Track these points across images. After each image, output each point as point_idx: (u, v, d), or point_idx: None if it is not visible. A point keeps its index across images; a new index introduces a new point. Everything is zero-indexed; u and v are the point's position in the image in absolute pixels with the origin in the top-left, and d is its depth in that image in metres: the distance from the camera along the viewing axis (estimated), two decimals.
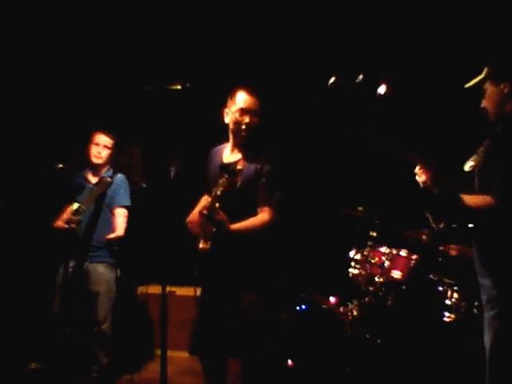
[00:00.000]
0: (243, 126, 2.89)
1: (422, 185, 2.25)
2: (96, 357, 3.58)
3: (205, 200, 2.98)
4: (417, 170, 2.24)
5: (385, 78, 2.24)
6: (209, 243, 2.77)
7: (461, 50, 3.86)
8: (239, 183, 2.78)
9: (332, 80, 2.33)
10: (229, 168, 2.80)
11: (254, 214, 2.88)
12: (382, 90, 2.21)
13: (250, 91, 2.92)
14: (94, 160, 3.69)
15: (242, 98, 2.91)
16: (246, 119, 2.88)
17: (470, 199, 2.21)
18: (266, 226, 2.86)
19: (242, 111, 2.89)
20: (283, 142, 4.26)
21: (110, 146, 3.71)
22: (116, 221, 3.69)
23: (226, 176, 2.74)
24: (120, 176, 3.75)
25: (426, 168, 2.21)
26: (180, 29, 4.50)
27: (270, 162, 2.93)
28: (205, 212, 2.73)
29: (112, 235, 3.63)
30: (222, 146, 3.07)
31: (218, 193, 2.71)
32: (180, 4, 4.41)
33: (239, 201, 2.82)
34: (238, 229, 2.79)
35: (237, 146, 2.98)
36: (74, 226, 3.42)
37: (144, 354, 4.13)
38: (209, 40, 4.48)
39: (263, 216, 2.86)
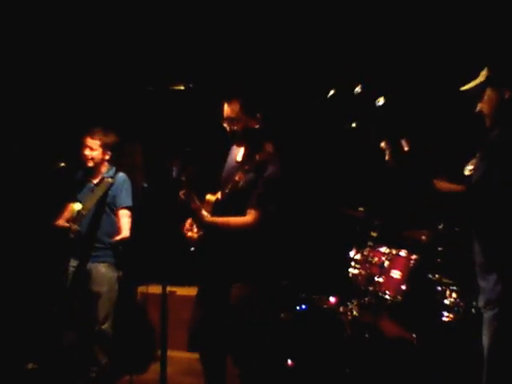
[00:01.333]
0: (229, 134, 2.98)
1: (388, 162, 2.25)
2: (95, 357, 3.59)
3: (208, 198, 3.01)
4: (383, 144, 2.25)
5: (383, 89, 2.26)
6: (196, 233, 2.83)
7: (460, 53, 3.86)
8: (242, 182, 2.78)
9: (331, 92, 2.35)
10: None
11: None
12: (380, 101, 2.22)
13: (230, 99, 2.97)
14: (86, 163, 3.71)
15: (223, 109, 3.00)
16: (227, 128, 2.97)
17: (445, 184, 2.22)
18: (246, 227, 2.85)
19: (223, 120, 2.98)
20: (283, 142, 4.26)
21: (95, 147, 3.69)
22: (121, 222, 3.70)
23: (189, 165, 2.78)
24: (121, 175, 3.75)
25: (389, 145, 2.21)
26: (183, 29, 4.50)
27: (273, 165, 2.94)
28: (182, 196, 2.75)
29: (118, 237, 3.64)
30: (232, 146, 3.13)
31: (183, 179, 2.74)
32: (184, 4, 4.41)
33: (240, 198, 2.84)
34: (215, 222, 2.82)
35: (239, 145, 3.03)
36: (72, 236, 3.45)
37: (144, 354, 4.13)
38: (212, 41, 4.48)
39: (247, 218, 2.85)
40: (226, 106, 2.97)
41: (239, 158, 3.03)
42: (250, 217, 2.84)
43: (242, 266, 2.87)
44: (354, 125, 2.41)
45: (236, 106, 2.94)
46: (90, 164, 3.71)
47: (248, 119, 2.94)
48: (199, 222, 2.80)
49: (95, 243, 3.65)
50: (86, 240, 3.61)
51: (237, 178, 2.78)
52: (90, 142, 3.69)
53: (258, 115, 2.97)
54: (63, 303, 3.54)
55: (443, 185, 2.22)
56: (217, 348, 2.93)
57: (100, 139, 3.70)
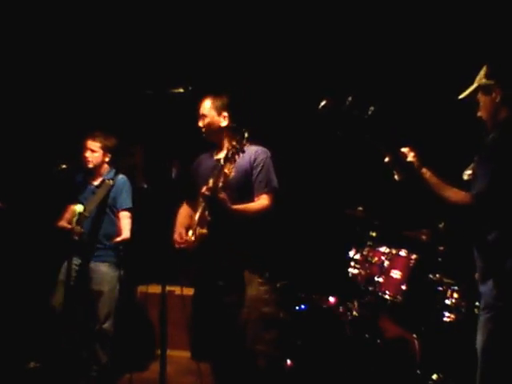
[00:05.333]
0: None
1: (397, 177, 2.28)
2: (96, 356, 3.61)
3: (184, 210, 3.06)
4: (386, 160, 2.28)
5: (374, 98, 2.28)
6: (205, 228, 2.81)
7: (456, 56, 3.88)
8: (233, 174, 2.79)
9: (323, 103, 2.37)
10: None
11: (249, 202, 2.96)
12: (371, 111, 2.24)
13: (204, 97, 3.07)
14: (86, 164, 3.75)
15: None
16: (200, 124, 3.06)
17: (450, 191, 2.23)
18: (264, 211, 2.95)
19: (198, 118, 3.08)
20: (283, 142, 4.28)
21: (96, 149, 3.74)
22: (121, 224, 3.72)
23: (226, 152, 2.75)
24: (121, 177, 3.78)
25: (392, 159, 2.26)
26: (182, 33, 4.52)
27: (258, 150, 3.02)
28: (207, 193, 2.76)
29: (119, 238, 3.66)
30: (208, 153, 3.18)
31: (226, 171, 2.73)
32: (184, 8, 4.43)
33: (233, 191, 2.85)
34: (239, 209, 2.87)
35: (219, 147, 3.09)
36: (76, 238, 3.47)
37: (144, 353, 4.14)
38: (211, 44, 4.50)
39: (262, 202, 2.96)
40: (200, 104, 3.08)
41: (217, 156, 3.07)
42: (264, 201, 2.96)
43: (250, 254, 2.94)
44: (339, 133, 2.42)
45: (207, 103, 3.04)
46: (91, 166, 3.75)
47: (215, 116, 3.02)
48: (226, 210, 2.80)
49: (97, 243, 3.67)
50: (87, 241, 3.64)
51: (226, 171, 2.77)
52: (90, 144, 3.73)
53: (225, 113, 3.03)
54: (64, 301, 3.55)
55: (451, 192, 2.22)
56: (234, 350, 2.94)
57: (100, 142, 3.74)
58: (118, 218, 3.75)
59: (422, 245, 3.59)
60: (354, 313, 3.59)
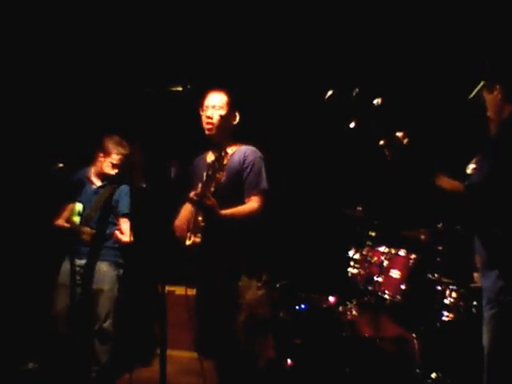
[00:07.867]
0: (204, 121, 2.97)
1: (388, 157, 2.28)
2: (96, 355, 3.60)
3: (187, 207, 3.02)
4: (382, 142, 2.27)
5: (380, 90, 2.28)
6: (199, 236, 2.77)
7: (462, 53, 3.88)
8: (224, 178, 2.77)
9: (329, 93, 2.36)
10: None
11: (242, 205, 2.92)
12: (377, 101, 2.24)
13: (217, 90, 3.02)
14: (107, 170, 3.75)
15: (207, 97, 3.02)
16: (207, 112, 2.96)
17: (446, 181, 2.23)
18: (254, 213, 2.89)
19: (206, 107, 2.99)
20: (282, 142, 4.28)
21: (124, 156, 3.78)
22: (122, 227, 3.72)
23: (213, 159, 2.73)
24: (124, 186, 3.80)
25: (387, 141, 2.24)
26: (181, 31, 4.52)
27: (249, 150, 2.98)
28: (195, 198, 2.73)
29: (122, 239, 3.64)
30: (203, 154, 3.14)
31: (209, 173, 2.69)
32: (183, 6, 4.43)
33: (225, 195, 2.82)
34: (228, 214, 2.80)
35: (213, 147, 3.02)
36: (88, 238, 3.47)
37: (143, 353, 4.14)
38: (210, 42, 4.50)
39: (251, 205, 2.90)
40: (212, 95, 3.00)
41: (210, 159, 3.02)
42: (254, 203, 2.89)
43: (247, 257, 2.90)
44: (352, 125, 2.41)
45: (224, 96, 2.99)
46: (111, 172, 3.76)
47: (230, 113, 2.98)
48: (215, 217, 2.75)
49: (102, 244, 3.68)
50: (94, 241, 3.63)
51: (218, 176, 2.74)
52: (120, 151, 3.77)
53: (237, 113, 3.00)
54: (64, 301, 3.55)
55: (446, 182, 2.23)
56: (233, 351, 2.93)
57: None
58: (118, 222, 3.75)
59: (420, 244, 3.60)
60: (354, 312, 3.60)
